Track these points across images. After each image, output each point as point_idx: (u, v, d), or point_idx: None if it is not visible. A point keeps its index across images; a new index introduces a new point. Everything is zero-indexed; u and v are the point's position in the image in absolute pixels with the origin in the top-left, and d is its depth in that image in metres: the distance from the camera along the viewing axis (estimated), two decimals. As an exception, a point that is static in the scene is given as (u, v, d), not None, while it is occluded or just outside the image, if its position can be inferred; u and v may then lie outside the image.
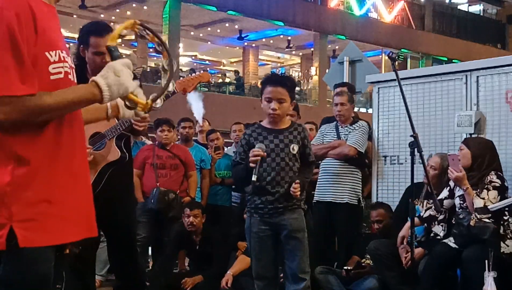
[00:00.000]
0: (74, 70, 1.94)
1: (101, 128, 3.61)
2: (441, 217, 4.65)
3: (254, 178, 3.58)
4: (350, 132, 5.41)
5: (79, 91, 1.83)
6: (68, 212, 1.84)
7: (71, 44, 22.64)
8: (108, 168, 3.66)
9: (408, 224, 4.60)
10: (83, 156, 2.00)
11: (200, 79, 3.70)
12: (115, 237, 3.79)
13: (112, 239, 3.83)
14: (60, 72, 1.81)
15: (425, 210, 4.71)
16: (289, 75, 4.16)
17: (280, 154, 3.71)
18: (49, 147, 1.80)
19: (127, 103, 1.94)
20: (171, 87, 1.98)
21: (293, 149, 3.75)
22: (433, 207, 4.60)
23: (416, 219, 4.62)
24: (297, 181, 3.67)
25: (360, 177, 5.50)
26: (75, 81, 1.95)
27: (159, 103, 1.98)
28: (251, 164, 3.59)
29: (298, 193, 3.66)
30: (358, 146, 5.36)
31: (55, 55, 1.80)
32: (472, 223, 4.28)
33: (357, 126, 5.46)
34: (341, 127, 5.49)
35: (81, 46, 3.61)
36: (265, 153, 3.64)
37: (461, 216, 4.44)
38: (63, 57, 1.84)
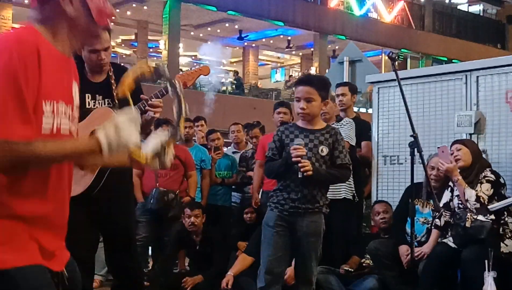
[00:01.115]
0: (75, 121, 1.93)
1: (101, 125, 3.59)
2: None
3: (300, 175, 3.59)
4: (339, 128, 5.41)
5: (79, 145, 1.84)
6: (41, 235, 1.83)
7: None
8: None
9: (429, 244, 4.61)
10: (64, 177, 1.96)
11: (200, 72, 3.70)
12: (113, 237, 3.78)
13: (110, 239, 3.81)
14: (50, 127, 1.80)
15: (437, 218, 4.66)
16: (321, 75, 4.14)
17: (307, 154, 3.68)
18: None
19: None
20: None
21: (322, 151, 3.73)
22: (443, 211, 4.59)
23: (435, 231, 4.62)
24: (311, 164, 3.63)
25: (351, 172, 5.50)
26: (72, 133, 1.93)
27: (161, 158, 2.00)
28: (295, 159, 3.59)
29: (306, 166, 3.58)
30: (350, 139, 5.39)
31: (50, 105, 1.80)
32: (468, 224, 4.29)
33: (344, 122, 5.50)
34: None
35: None
36: (305, 150, 3.63)
37: (458, 217, 4.45)
38: (58, 110, 1.83)
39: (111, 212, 3.70)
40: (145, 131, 3.92)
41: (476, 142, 4.85)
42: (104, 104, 3.68)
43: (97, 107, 3.65)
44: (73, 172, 2.02)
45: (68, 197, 1.98)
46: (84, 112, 3.58)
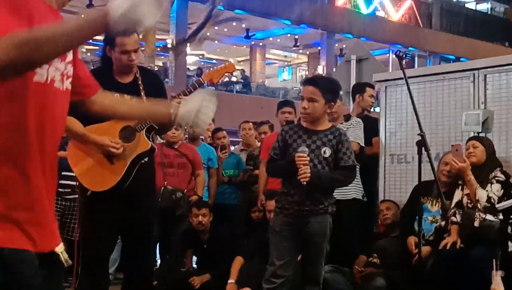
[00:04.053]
0: (66, 78, 1.85)
1: (130, 121, 3.67)
2: None
3: (304, 183, 3.57)
4: (348, 128, 5.40)
5: (84, 18, 1.63)
6: (42, 220, 1.79)
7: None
8: (138, 160, 3.69)
9: (453, 236, 4.52)
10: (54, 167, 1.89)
11: (226, 69, 3.88)
12: (134, 235, 3.79)
13: (131, 237, 3.82)
14: (43, 75, 1.73)
15: (452, 216, 4.60)
16: (331, 78, 4.10)
17: (309, 155, 3.66)
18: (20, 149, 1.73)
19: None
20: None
21: (324, 152, 3.71)
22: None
23: (454, 226, 4.51)
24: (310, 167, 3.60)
25: (359, 172, 5.51)
26: (66, 89, 1.86)
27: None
28: (298, 167, 3.57)
29: (304, 172, 3.56)
30: (360, 140, 5.39)
31: None
32: (476, 223, 4.28)
33: (354, 122, 5.49)
34: None
35: (108, 46, 3.72)
36: (308, 158, 3.61)
37: (466, 216, 4.44)
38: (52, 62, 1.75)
39: (137, 208, 3.74)
40: (169, 129, 3.97)
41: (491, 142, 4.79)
42: None
43: None
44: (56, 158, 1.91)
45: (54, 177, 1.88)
46: None
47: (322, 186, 3.69)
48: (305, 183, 3.56)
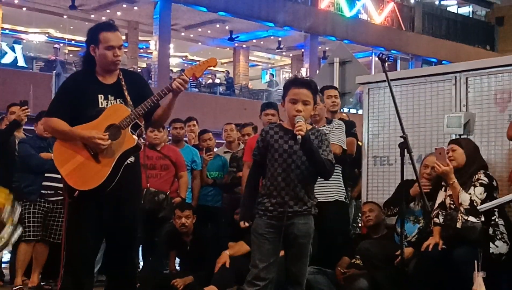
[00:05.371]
0: None
1: (115, 120, 3.66)
2: None
3: (298, 138, 3.49)
4: (330, 131, 5.39)
5: None
6: None
7: (61, 45, 22.55)
8: (125, 157, 3.69)
9: (435, 237, 4.50)
10: None
11: (208, 64, 3.83)
12: (119, 236, 3.79)
13: (115, 238, 3.81)
14: None
15: (435, 217, 4.61)
16: (311, 78, 4.07)
17: (292, 156, 3.65)
18: None
19: None
20: None
21: None
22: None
23: (437, 227, 4.55)
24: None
25: (341, 174, 5.52)
26: None
27: None
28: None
29: (300, 126, 3.51)
30: (342, 143, 5.40)
31: None
32: (458, 225, 4.31)
33: (336, 125, 5.47)
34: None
35: (91, 45, 3.72)
36: (304, 122, 3.58)
37: (449, 217, 4.46)
38: None
39: (121, 210, 3.74)
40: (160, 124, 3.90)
41: (473, 142, 4.80)
42: (116, 103, 3.77)
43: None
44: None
45: None
46: (97, 112, 3.68)
47: (311, 150, 3.61)
48: (300, 137, 3.49)
